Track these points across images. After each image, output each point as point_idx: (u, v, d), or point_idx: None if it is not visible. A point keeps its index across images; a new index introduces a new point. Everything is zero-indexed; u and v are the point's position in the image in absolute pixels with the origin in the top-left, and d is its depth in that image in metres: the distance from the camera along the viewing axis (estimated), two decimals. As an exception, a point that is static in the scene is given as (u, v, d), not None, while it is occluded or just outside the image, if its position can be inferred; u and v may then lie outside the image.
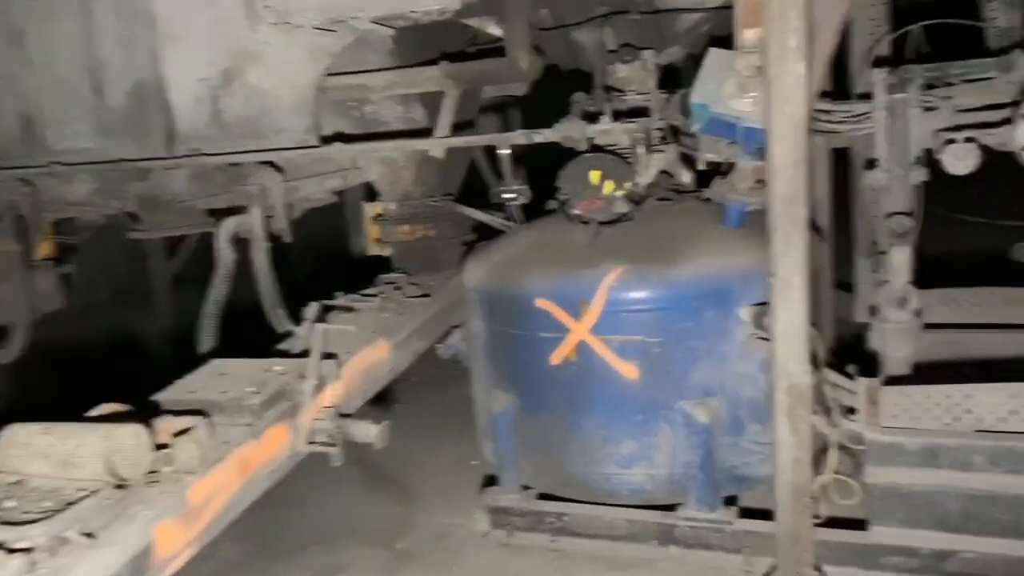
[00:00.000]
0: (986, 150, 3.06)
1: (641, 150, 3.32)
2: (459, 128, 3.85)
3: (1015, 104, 2.93)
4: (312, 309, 3.29)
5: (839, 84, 4.15)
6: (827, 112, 3.59)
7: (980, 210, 5.51)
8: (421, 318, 3.77)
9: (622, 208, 3.49)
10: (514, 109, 5.35)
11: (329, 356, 3.08)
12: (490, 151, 5.18)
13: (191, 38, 3.57)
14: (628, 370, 3.28)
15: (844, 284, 5.12)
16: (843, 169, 4.67)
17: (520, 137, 3.27)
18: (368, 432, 3.11)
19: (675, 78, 4.23)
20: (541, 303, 3.35)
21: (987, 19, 3.63)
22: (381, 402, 5.05)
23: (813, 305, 2.88)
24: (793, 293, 2.83)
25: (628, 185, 3.45)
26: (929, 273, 3.56)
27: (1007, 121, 3.02)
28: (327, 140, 3.73)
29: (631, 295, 3.26)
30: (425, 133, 3.70)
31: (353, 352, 3.31)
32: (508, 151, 3.33)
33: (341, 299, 3.79)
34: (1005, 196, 5.59)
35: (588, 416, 3.36)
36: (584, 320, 3.29)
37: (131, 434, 2.21)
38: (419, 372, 5.98)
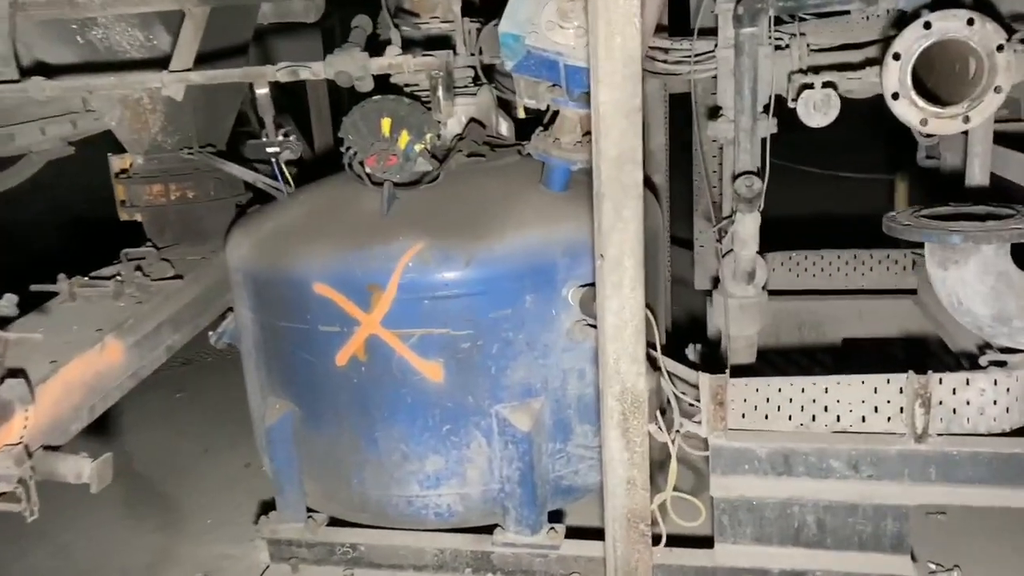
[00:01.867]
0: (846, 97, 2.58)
1: (442, 92, 2.62)
2: (217, 59, 3.02)
3: (883, 41, 2.45)
4: (5, 304, 2.44)
5: (677, 19, 3.61)
6: (664, 51, 3.03)
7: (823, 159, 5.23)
8: (171, 307, 2.96)
9: (422, 166, 2.80)
10: (310, 39, 4.52)
11: (14, 373, 2.25)
12: (292, 92, 4.34)
13: None
14: (431, 370, 2.63)
15: (683, 241, 4.69)
16: (681, 116, 4.17)
17: (281, 72, 2.49)
18: (80, 470, 2.35)
19: (492, 4, 3.55)
20: (320, 289, 2.63)
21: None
22: (153, 392, 4.22)
23: (649, 282, 2.34)
24: (625, 277, 2.27)
25: (429, 137, 2.76)
26: (771, 232, 3.11)
27: (870, 62, 2.55)
28: (29, 73, 2.80)
29: (433, 278, 2.59)
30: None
31: (63, 361, 2.49)
32: (266, 90, 2.53)
33: (63, 285, 2.92)
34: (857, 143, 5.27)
35: (384, 428, 2.70)
36: (375, 310, 2.60)
37: None
38: (214, 351, 5.18)
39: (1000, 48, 2.21)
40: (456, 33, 2.85)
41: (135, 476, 3.89)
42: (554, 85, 2.64)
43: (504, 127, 3.17)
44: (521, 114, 3.10)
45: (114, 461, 2.40)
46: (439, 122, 2.79)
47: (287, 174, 2.84)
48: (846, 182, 5.58)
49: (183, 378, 4.87)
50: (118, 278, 2.97)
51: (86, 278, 3.01)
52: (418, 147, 2.74)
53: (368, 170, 2.77)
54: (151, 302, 2.91)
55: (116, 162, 3.54)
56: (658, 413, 2.57)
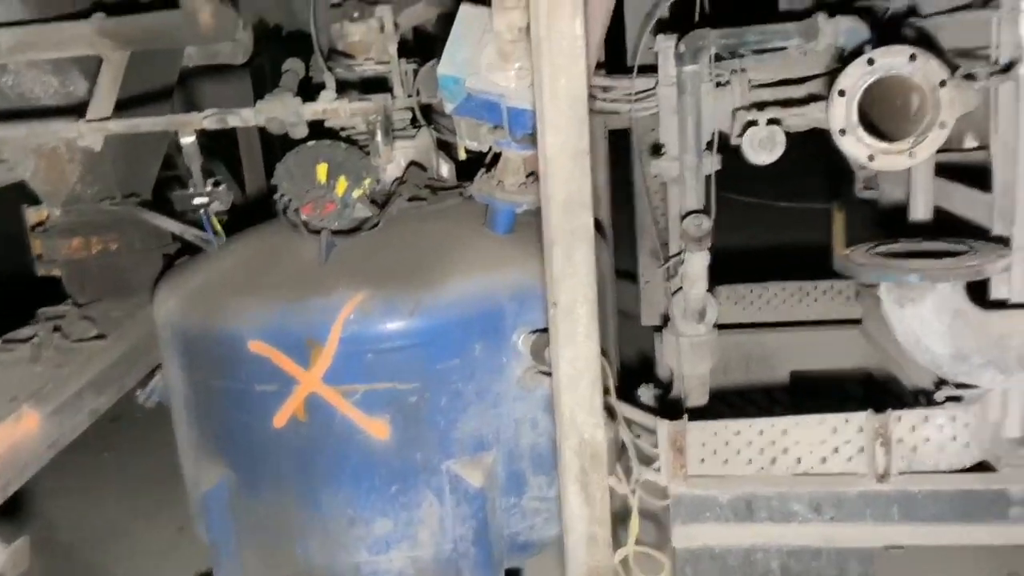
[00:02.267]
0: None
1: (380, 136, 2.52)
2: (139, 105, 2.86)
3: (825, 76, 2.44)
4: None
5: (613, 56, 3.58)
6: (603, 88, 2.99)
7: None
8: (94, 369, 2.77)
9: (361, 212, 2.68)
10: (239, 81, 4.36)
11: (-86, 457, 2.05)
12: (222, 139, 4.16)
13: None
14: (377, 428, 2.50)
15: (626, 274, 4.64)
16: (621, 149, 4.13)
17: (208, 120, 2.35)
18: (-7, 558, 2.14)
19: (429, 44, 3.47)
20: (255, 346, 2.48)
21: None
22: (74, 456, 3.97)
23: (601, 326, 2.25)
24: (579, 325, 2.18)
25: (368, 182, 2.65)
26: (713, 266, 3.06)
27: (813, 98, 2.53)
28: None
29: (376, 329, 2.47)
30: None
31: (-30, 437, 2.28)
32: (192, 138, 2.39)
33: (-28, 350, 2.70)
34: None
35: (328, 491, 2.55)
36: (315, 367, 2.46)
37: None
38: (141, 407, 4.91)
39: (943, 83, 2.21)
40: (393, 75, 2.76)
41: (59, 546, 3.62)
42: (496, 127, 2.57)
43: (445, 169, 3.08)
44: (462, 156, 3.02)
45: (36, 530, 2.22)
46: (378, 167, 2.68)
47: (217, 225, 2.69)
48: (782, 212, 5.64)
49: (111, 436, 4.59)
50: (35, 340, 2.76)
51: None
52: (356, 193, 2.62)
53: (304, 218, 2.64)
54: (71, 365, 2.71)
55: (31, 214, 3.32)
56: (619, 464, 2.49)
